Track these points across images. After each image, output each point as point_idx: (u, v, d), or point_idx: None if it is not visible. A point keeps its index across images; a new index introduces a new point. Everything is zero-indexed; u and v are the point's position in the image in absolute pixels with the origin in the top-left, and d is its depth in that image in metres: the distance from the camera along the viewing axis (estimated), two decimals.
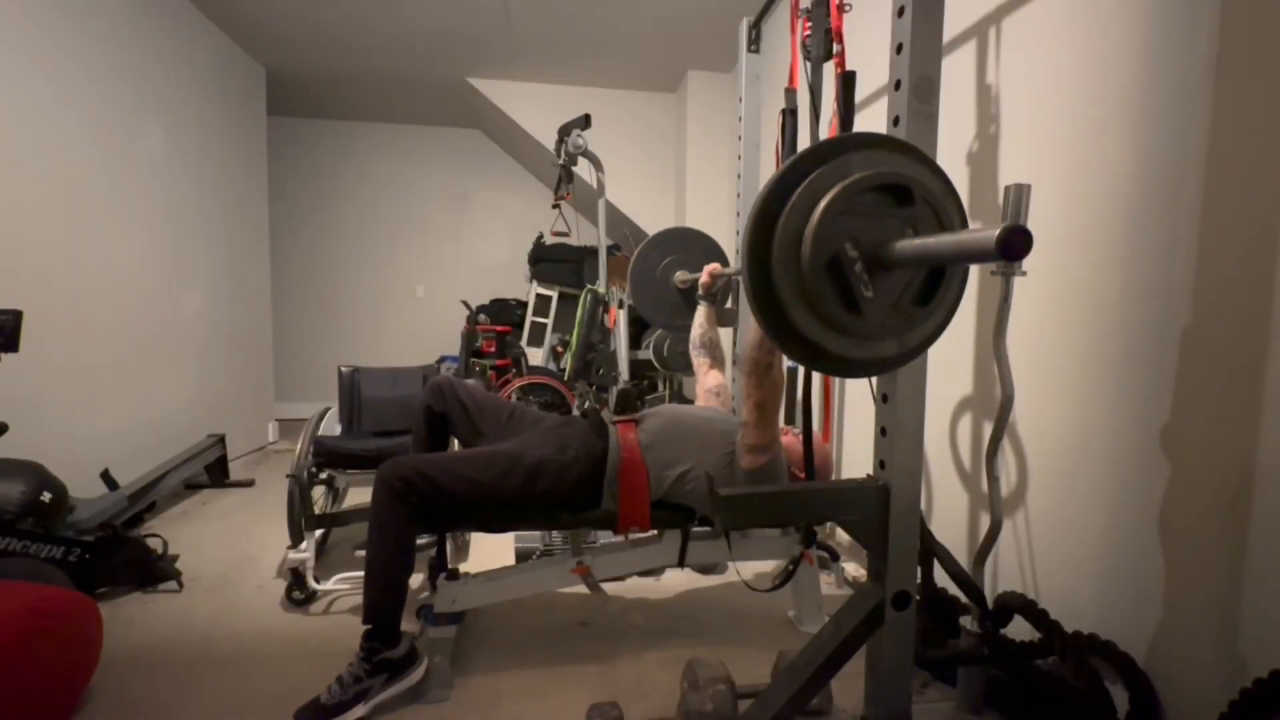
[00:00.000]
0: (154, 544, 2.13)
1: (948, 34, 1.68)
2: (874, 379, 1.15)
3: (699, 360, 2.02)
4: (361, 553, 2.36)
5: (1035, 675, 1.35)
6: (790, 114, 1.86)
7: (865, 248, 0.82)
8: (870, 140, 0.87)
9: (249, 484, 3.37)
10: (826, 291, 0.82)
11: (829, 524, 2.42)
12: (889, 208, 0.83)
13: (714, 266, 1.99)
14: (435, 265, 5.61)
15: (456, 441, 1.86)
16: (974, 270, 1.79)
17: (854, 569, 2.22)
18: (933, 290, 0.86)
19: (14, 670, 1.23)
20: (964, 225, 0.89)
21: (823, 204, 0.80)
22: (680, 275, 2.24)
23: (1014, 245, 0.64)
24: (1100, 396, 1.41)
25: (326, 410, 2.43)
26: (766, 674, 1.39)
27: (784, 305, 0.83)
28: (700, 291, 2.00)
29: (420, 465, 1.48)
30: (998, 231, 0.64)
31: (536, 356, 4.62)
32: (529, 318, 4.82)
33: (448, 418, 1.76)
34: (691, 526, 1.73)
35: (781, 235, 0.82)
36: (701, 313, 2.02)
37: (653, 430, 1.65)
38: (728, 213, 4.15)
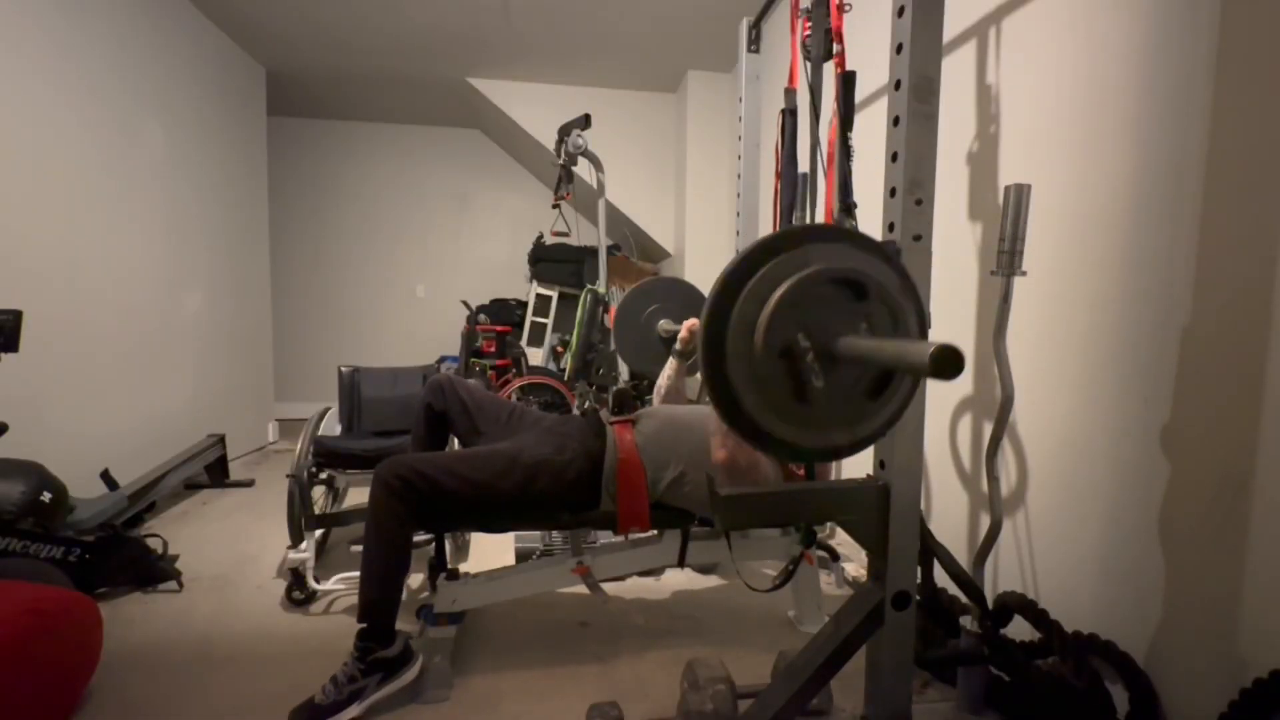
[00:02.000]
0: (154, 544, 2.13)
1: (948, 34, 1.68)
2: None
3: (657, 402, 2.01)
4: (358, 548, 2.37)
5: (1035, 675, 1.35)
6: (790, 114, 1.86)
7: (818, 339, 0.83)
8: (830, 233, 0.88)
9: (249, 484, 3.37)
10: (778, 380, 0.84)
11: (829, 524, 2.42)
12: (844, 301, 0.84)
13: (693, 323, 1.97)
14: (435, 265, 5.61)
15: (456, 440, 1.87)
16: (974, 269, 1.79)
17: (854, 569, 2.22)
18: (885, 384, 0.87)
19: (14, 670, 1.23)
20: (922, 322, 0.90)
21: (776, 294, 0.82)
22: (663, 324, 2.24)
23: (945, 367, 0.66)
24: (1100, 397, 1.41)
25: (326, 410, 2.43)
26: (766, 674, 1.39)
27: (735, 390, 0.84)
28: (677, 345, 1.98)
29: (418, 464, 1.48)
30: (931, 349, 0.66)
31: (536, 356, 4.62)
32: (529, 318, 4.82)
33: (448, 416, 1.76)
34: (691, 526, 1.73)
35: (736, 322, 0.83)
36: (671, 365, 2.00)
37: (648, 432, 1.65)
38: (728, 213, 4.16)
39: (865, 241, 0.89)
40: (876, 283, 0.84)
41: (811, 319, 0.83)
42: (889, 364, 0.78)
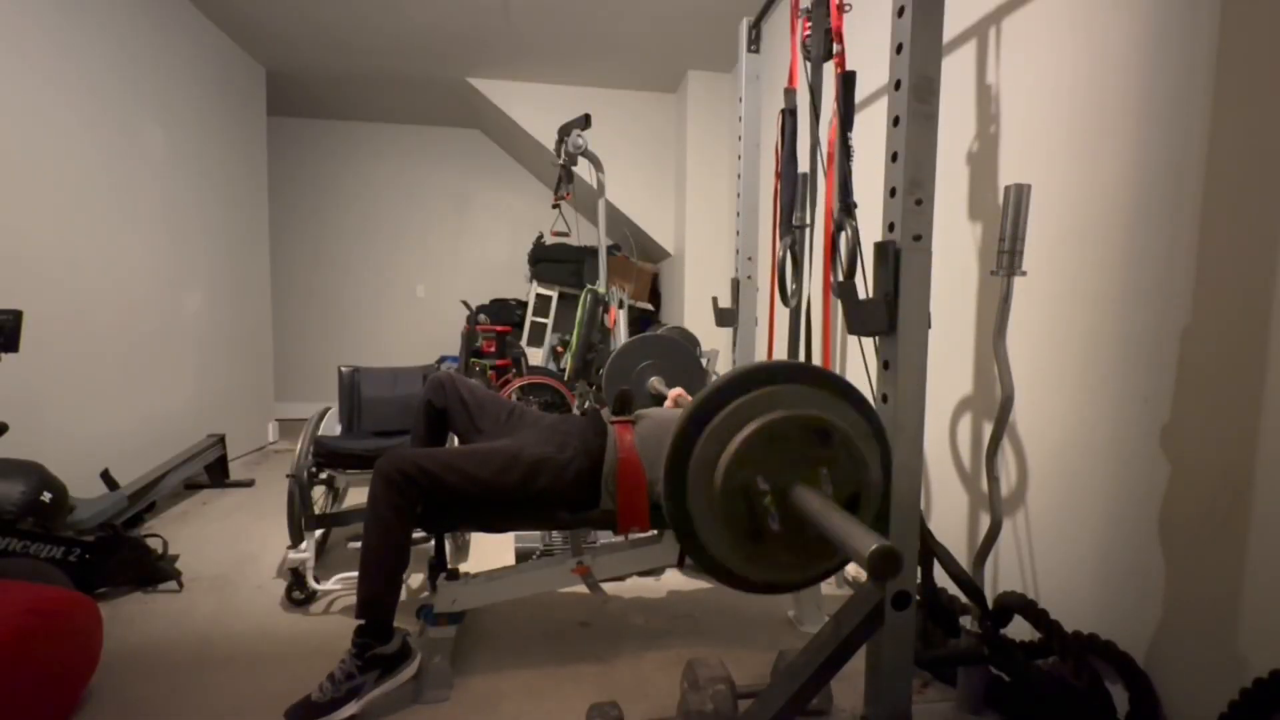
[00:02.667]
0: (154, 544, 2.13)
1: (948, 34, 1.68)
2: (873, 378, 1.15)
3: None
4: (356, 544, 2.37)
5: (1035, 675, 1.35)
6: (790, 114, 1.86)
7: (777, 483, 0.83)
8: (801, 374, 0.88)
9: (249, 484, 3.37)
10: (735, 516, 0.85)
11: None
12: (807, 444, 0.85)
13: (678, 393, 1.97)
14: (435, 265, 5.61)
15: (455, 438, 1.87)
16: (974, 269, 1.79)
17: (854, 569, 2.22)
18: None
19: (14, 670, 1.23)
20: (885, 471, 0.91)
21: (738, 438, 0.82)
22: (653, 382, 2.25)
23: (884, 567, 0.68)
24: (1100, 396, 1.41)
25: (326, 410, 2.43)
26: (766, 674, 1.39)
27: (694, 522, 0.85)
28: (666, 405, 1.97)
29: (418, 459, 1.48)
30: (873, 547, 0.68)
31: (536, 356, 4.62)
32: (529, 318, 4.82)
33: (448, 414, 1.76)
34: None
35: (698, 458, 0.84)
36: None
37: (647, 432, 1.65)
38: (728, 213, 4.16)
39: (836, 384, 0.89)
40: (841, 431, 0.84)
41: (773, 461, 0.84)
42: (830, 537, 0.78)
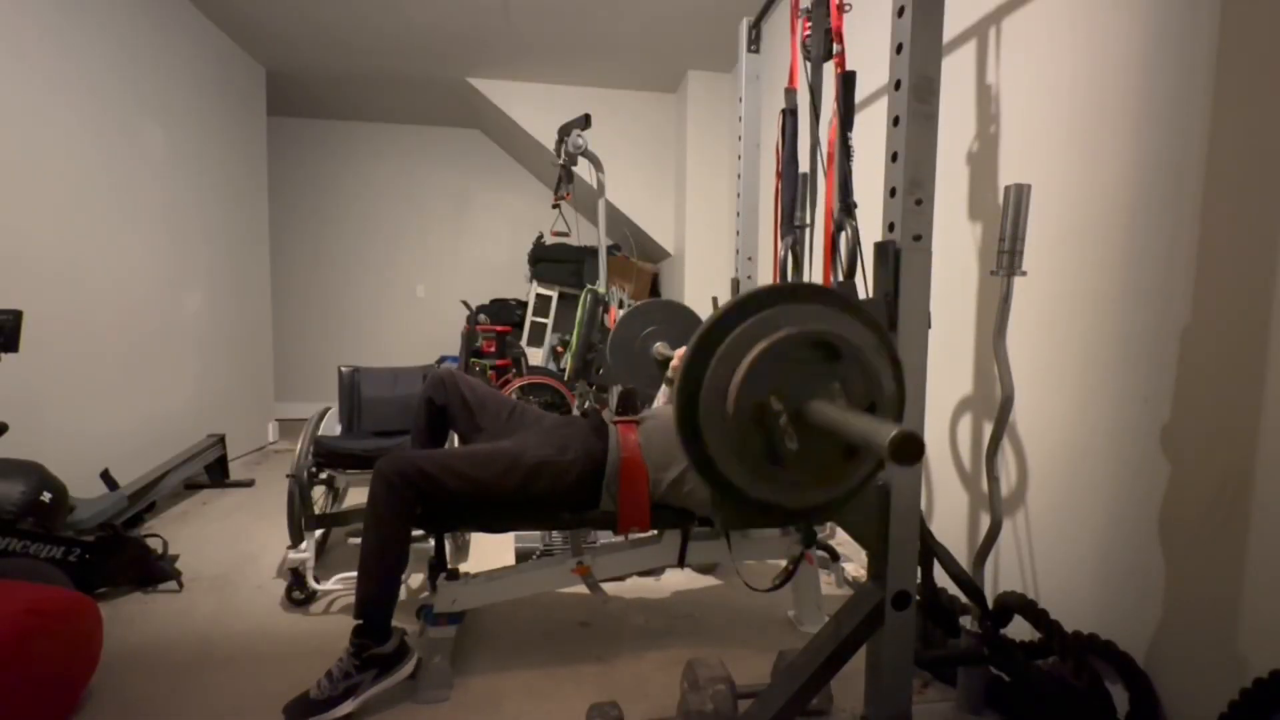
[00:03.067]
0: (154, 544, 2.13)
1: (948, 34, 1.68)
2: None
3: None
4: (356, 541, 2.37)
5: (1035, 675, 1.35)
6: (790, 114, 1.86)
7: (791, 402, 0.83)
8: (803, 293, 0.88)
9: (249, 484, 3.37)
10: (751, 442, 0.84)
11: (829, 524, 2.42)
12: (818, 362, 0.84)
13: (685, 350, 1.97)
14: (435, 265, 5.61)
15: (456, 436, 1.86)
16: (974, 270, 1.79)
17: (854, 569, 2.22)
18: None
19: (14, 670, 1.23)
20: (898, 380, 0.90)
21: (748, 358, 0.82)
22: (659, 347, 2.24)
23: (904, 452, 0.66)
24: (1100, 396, 1.41)
25: (326, 410, 2.43)
26: (766, 674, 1.39)
27: (711, 452, 0.84)
28: (669, 373, 1.98)
29: (418, 461, 1.48)
30: (891, 435, 0.66)
31: (536, 356, 4.62)
32: (529, 318, 4.82)
33: (448, 411, 1.76)
34: (692, 526, 1.72)
35: (709, 385, 0.83)
36: (663, 394, 2.01)
37: (652, 431, 1.65)
38: (728, 213, 4.16)
39: (840, 301, 0.89)
40: (849, 345, 0.84)
41: (784, 382, 0.83)
42: (850, 438, 0.78)
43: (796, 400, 0.83)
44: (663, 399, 2.02)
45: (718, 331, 0.84)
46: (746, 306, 0.85)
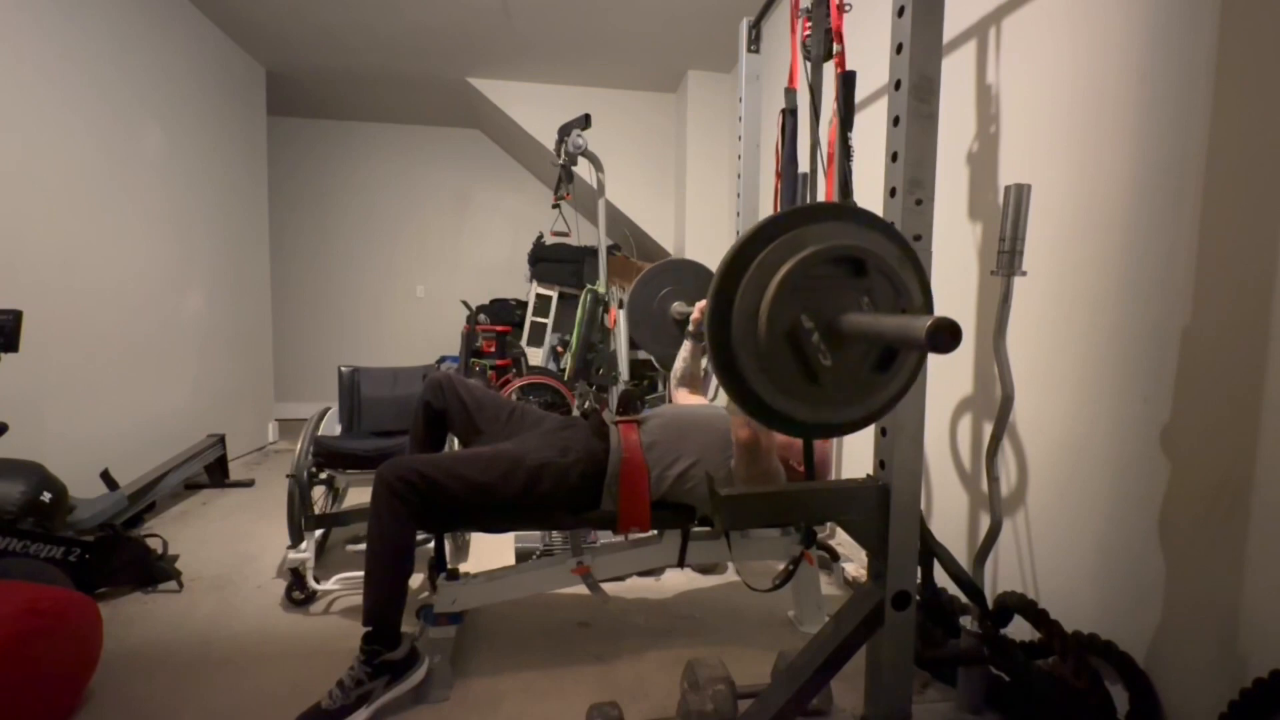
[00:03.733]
0: (154, 544, 2.13)
1: (948, 34, 1.68)
2: None
3: (678, 391, 2.01)
4: (354, 547, 2.36)
5: (1035, 675, 1.35)
6: (790, 114, 1.86)
7: (821, 319, 0.83)
8: (822, 212, 0.88)
9: (249, 484, 3.37)
10: (786, 363, 0.84)
11: (829, 524, 2.42)
12: (844, 278, 0.84)
13: (705, 303, 1.97)
14: (435, 265, 5.61)
15: (456, 439, 1.86)
16: (974, 270, 1.79)
17: (854, 569, 2.22)
18: (892, 357, 0.86)
19: (14, 670, 1.23)
20: (924, 291, 0.90)
21: (775, 280, 0.82)
22: (677, 306, 2.24)
23: (941, 340, 0.67)
24: (1100, 397, 1.41)
25: (326, 410, 2.43)
26: (766, 674, 1.39)
27: (747, 379, 0.84)
28: (690, 327, 1.98)
29: (420, 466, 1.47)
30: (928, 324, 0.67)
31: (536, 356, 4.61)
32: (529, 318, 4.82)
33: (447, 415, 1.76)
34: (691, 526, 1.73)
35: (739, 311, 0.84)
36: (686, 347, 2.00)
37: (654, 430, 1.65)
38: (728, 213, 4.16)
39: (860, 216, 0.89)
40: (874, 256, 0.84)
41: (813, 299, 0.83)
42: (889, 340, 0.78)
43: (827, 317, 0.83)
44: (685, 353, 2.01)
45: (742, 258, 0.84)
46: (768, 231, 0.85)
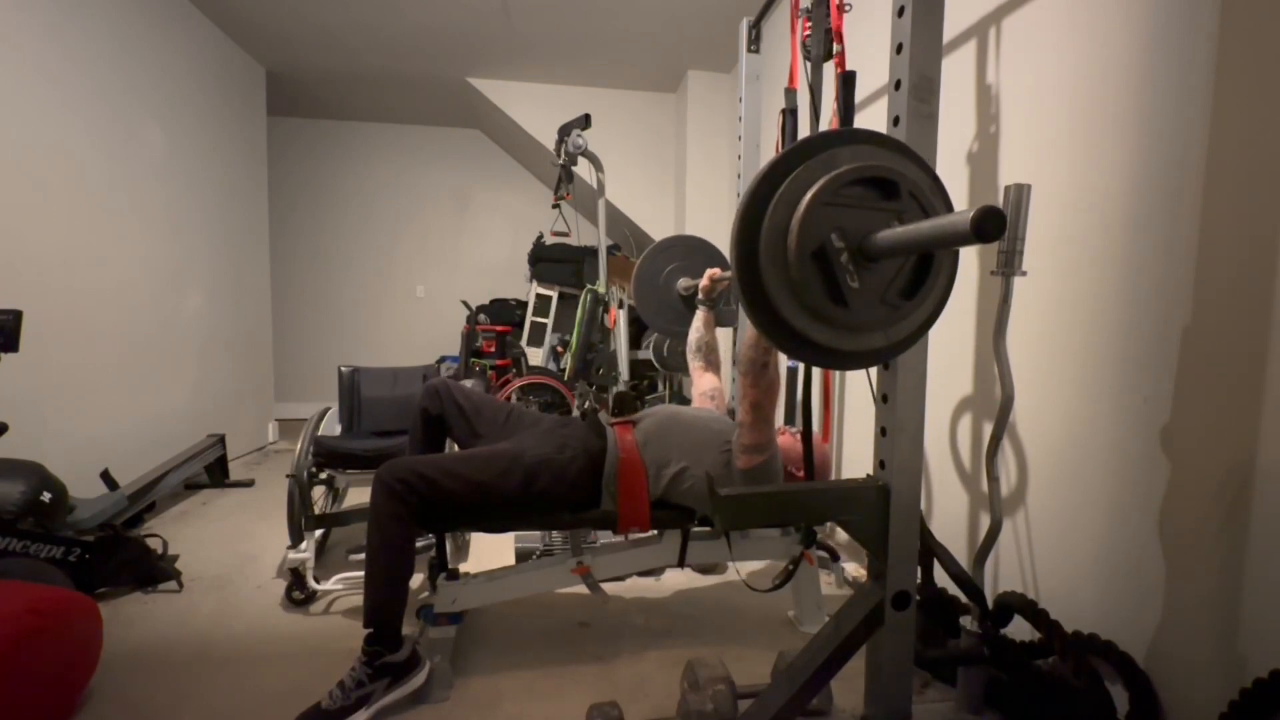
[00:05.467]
0: (154, 544, 2.13)
1: (948, 34, 1.68)
2: (873, 378, 1.15)
3: (695, 364, 2.02)
4: (355, 556, 2.36)
5: (1035, 675, 1.35)
6: (790, 114, 1.86)
7: (851, 239, 0.83)
8: (857, 135, 0.87)
9: (249, 484, 3.37)
10: (813, 282, 0.83)
11: (829, 524, 2.42)
12: (876, 201, 0.84)
13: (714, 271, 1.99)
14: (435, 265, 5.61)
15: (455, 444, 1.86)
16: (974, 271, 1.79)
17: (854, 569, 2.22)
18: (920, 282, 0.87)
19: (14, 670, 1.23)
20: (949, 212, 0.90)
21: (809, 195, 0.81)
22: (683, 282, 2.24)
23: (987, 227, 0.66)
24: (1100, 396, 1.41)
25: (326, 410, 2.43)
26: (766, 674, 1.39)
27: (771, 296, 0.84)
28: (700, 295, 1.99)
29: (418, 466, 1.48)
30: (972, 213, 0.66)
31: (536, 356, 4.62)
32: (529, 318, 4.82)
33: (444, 420, 1.76)
34: (691, 526, 1.73)
35: (769, 227, 0.83)
36: (700, 317, 2.01)
37: (649, 430, 1.65)
38: (728, 213, 4.15)
39: (892, 142, 0.88)
40: (907, 179, 0.83)
41: (844, 220, 0.82)
42: (928, 243, 0.77)
43: (857, 237, 0.82)
44: (699, 323, 2.02)
45: (776, 174, 0.83)
46: (803, 150, 0.84)
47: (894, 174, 0.83)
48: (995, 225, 0.66)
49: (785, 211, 0.83)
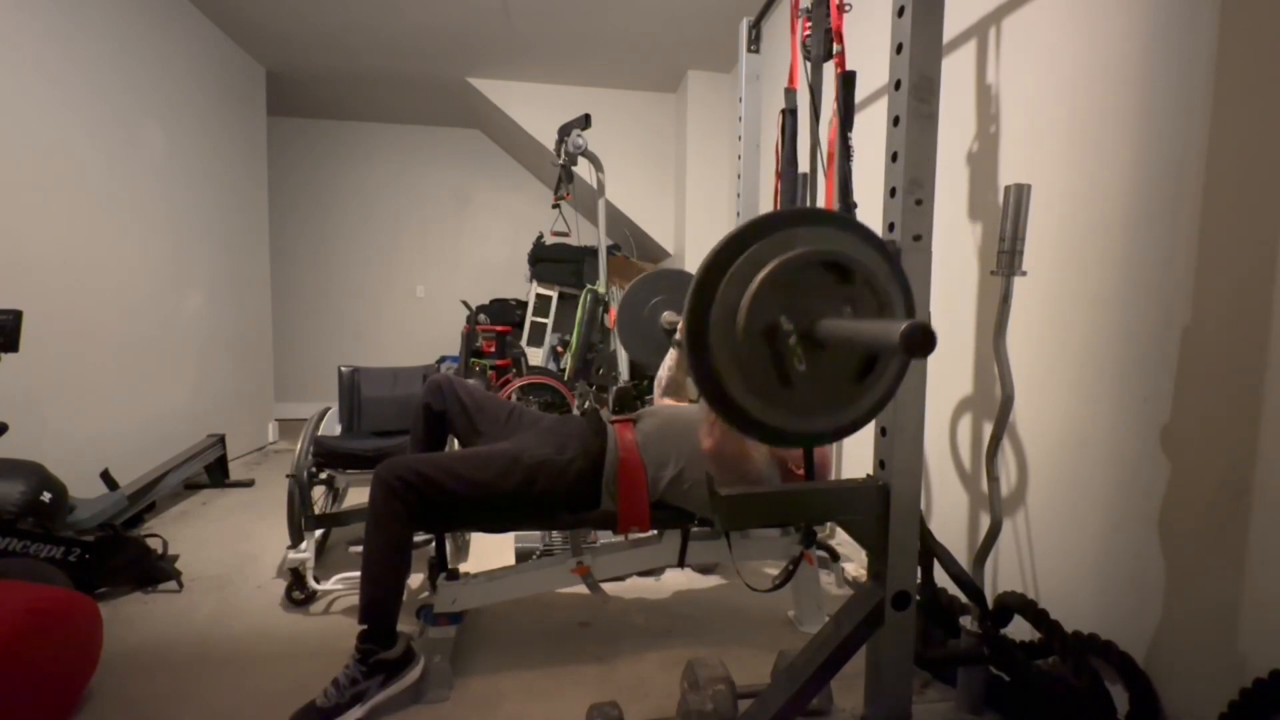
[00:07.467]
0: (154, 544, 2.13)
1: (948, 34, 1.68)
2: None
3: (660, 400, 2.00)
4: (356, 549, 2.36)
5: (1035, 675, 1.35)
6: (790, 114, 1.86)
7: (801, 322, 0.82)
8: (819, 217, 0.88)
9: (249, 484, 3.37)
10: (761, 362, 0.83)
11: (829, 524, 2.42)
12: (830, 284, 0.84)
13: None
14: (435, 265, 5.61)
15: (455, 441, 1.86)
16: (975, 271, 1.79)
17: (854, 569, 2.22)
18: (870, 368, 0.86)
19: (14, 670, 1.23)
20: (908, 305, 0.90)
21: (760, 275, 0.81)
22: (667, 316, 2.24)
23: (914, 345, 0.66)
24: (1100, 396, 1.41)
25: (326, 410, 2.43)
26: (766, 674, 1.39)
27: (718, 371, 0.84)
28: (676, 335, 1.98)
29: (418, 465, 1.47)
30: (903, 326, 0.66)
31: (536, 356, 4.62)
32: (529, 318, 4.82)
33: (446, 416, 1.76)
34: (691, 526, 1.72)
35: (720, 303, 0.83)
36: (671, 355, 2.00)
37: (648, 430, 1.65)
38: (727, 213, 4.16)
39: (852, 225, 0.89)
40: (862, 266, 0.83)
41: (795, 302, 0.82)
42: (864, 344, 0.78)
43: (807, 322, 0.82)
44: (670, 361, 2.01)
45: (731, 249, 0.83)
46: (761, 227, 0.84)
47: (848, 260, 0.83)
48: (922, 343, 0.66)
49: (737, 289, 0.83)
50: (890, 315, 0.86)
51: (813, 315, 0.82)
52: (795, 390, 0.83)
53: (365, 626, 1.44)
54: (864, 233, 0.89)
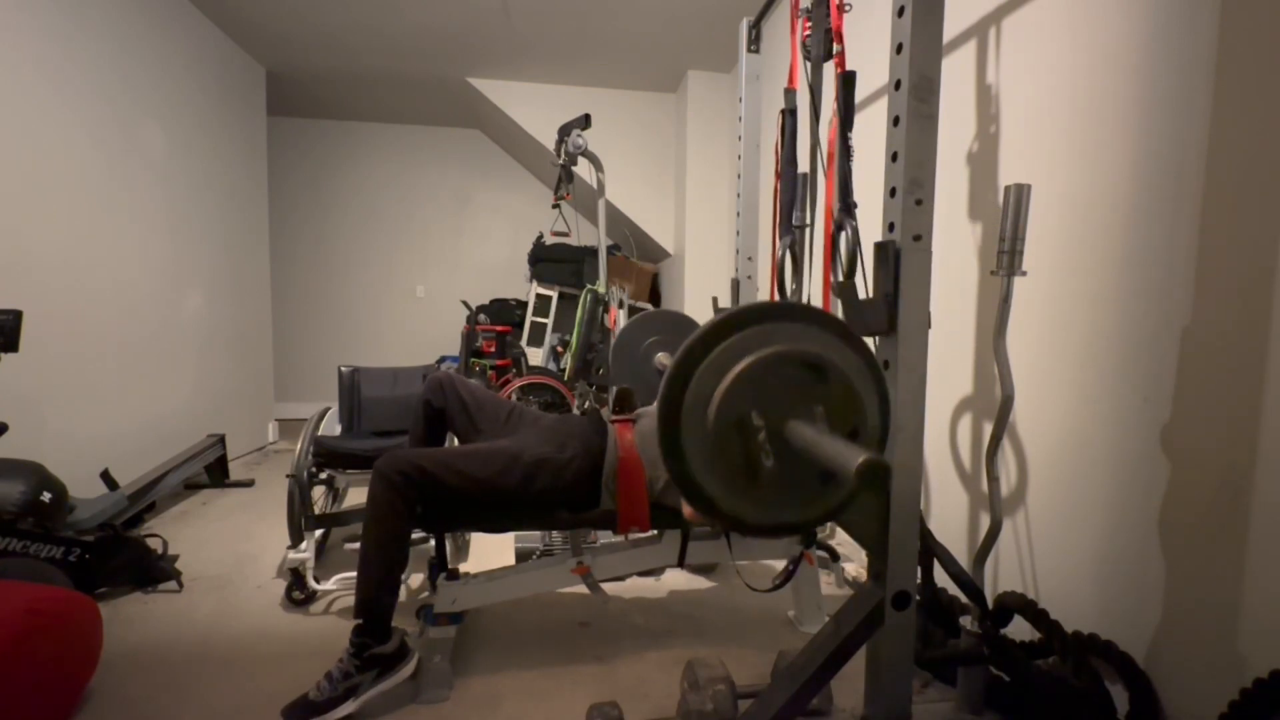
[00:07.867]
0: (154, 544, 2.13)
1: (948, 34, 1.68)
2: None
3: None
4: (353, 546, 2.36)
5: (1035, 675, 1.35)
6: (790, 114, 1.86)
7: (772, 419, 0.83)
8: (803, 314, 0.88)
9: (249, 484, 3.37)
10: (730, 453, 0.84)
11: (829, 524, 2.42)
12: (807, 382, 0.84)
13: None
14: (435, 265, 5.61)
15: (455, 438, 1.86)
16: (975, 269, 1.79)
17: (854, 569, 2.22)
18: (834, 474, 0.86)
19: (14, 670, 1.23)
20: (883, 407, 0.91)
21: (734, 370, 0.82)
22: (660, 358, 2.24)
23: (869, 481, 0.68)
24: (1100, 396, 1.41)
25: (326, 410, 2.43)
26: (766, 674, 1.39)
27: (687, 455, 0.84)
28: None
29: (417, 459, 1.47)
30: (860, 459, 0.68)
31: (536, 356, 4.62)
32: (529, 318, 4.82)
33: (447, 414, 1.76)
34: (691, 526, 1.72)
35: (694, 391, 0.83)
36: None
37: (646, 431, 1.65)
38: (727, 213, 4.16)
39: (835, 325, 0.89)
40: (837, 369, 0.84)
41: (768, 397, 0.83)
42: (821, 462, 0.78)
43: (778, 418, 0.83)
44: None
45: (707, 343, 0.84)
46: (739, 320, 0.85)
47: (824, 361, 0.84)
48: (876, 481, 0.68)
49: (712, 380, 0.83)
50: (861, 421, 0.87)
51: (785, 413, 0.83)
52: (761, 484, 0.84)
53: (360, 620, 1.44)
54: (845, 333, 0.89)
